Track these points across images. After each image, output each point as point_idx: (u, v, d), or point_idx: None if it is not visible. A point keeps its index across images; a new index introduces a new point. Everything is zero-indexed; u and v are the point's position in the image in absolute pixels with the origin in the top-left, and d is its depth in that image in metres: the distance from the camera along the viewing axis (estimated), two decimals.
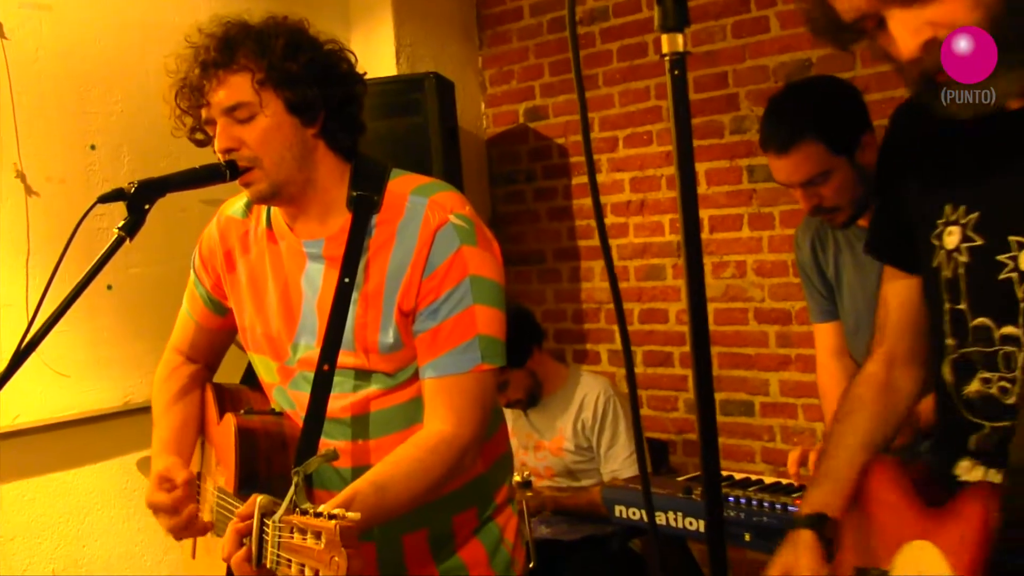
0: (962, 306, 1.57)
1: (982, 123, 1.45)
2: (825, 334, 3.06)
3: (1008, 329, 1.50)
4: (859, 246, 2.89)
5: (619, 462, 3.73)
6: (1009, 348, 1.50)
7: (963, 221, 1.56)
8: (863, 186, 2.72)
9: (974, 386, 1.56)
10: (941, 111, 1.43)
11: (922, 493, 1.65)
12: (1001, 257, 1.49)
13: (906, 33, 1.39)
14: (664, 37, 1.27)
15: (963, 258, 1.55)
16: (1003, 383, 1.50)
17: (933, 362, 1.68)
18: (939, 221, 1.60)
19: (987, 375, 1.53)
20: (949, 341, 1.60)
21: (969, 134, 1.52)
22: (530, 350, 3.85)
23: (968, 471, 1.62)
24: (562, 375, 3.95)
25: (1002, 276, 1.49)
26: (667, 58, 1.27)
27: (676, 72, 1.27)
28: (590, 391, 3.84)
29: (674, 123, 1.27)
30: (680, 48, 1.27)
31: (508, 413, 3.88)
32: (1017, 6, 1.33)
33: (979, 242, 1.53)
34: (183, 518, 2.16)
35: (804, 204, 2.77)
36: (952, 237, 1.57)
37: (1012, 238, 1.47)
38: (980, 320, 1.54)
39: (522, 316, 3.93)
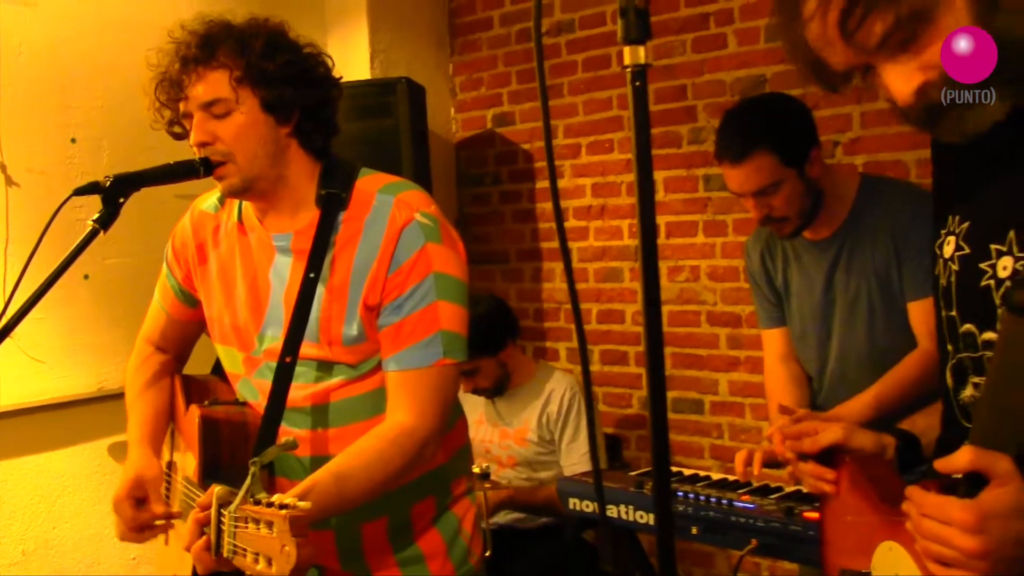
0: (954, 313, 1.56)
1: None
2: (773, 339, 3.08)
3: (988, 335, 1.49)
4: (806, 257, 2.92)
5: (577, 456, 3.73)
6: (991, 353, 1.48)
7: (957, 231, 1.55)
8: (810, 198, 2.76)
9: (967, 391, 1.55)
10: (940, 135, 1.44)
11: (883, 493, 1.65)
12: (982, 265, 1.48)
13: (899, 81, 1.38)
14: (626, 49, 1.25)
15: (955, 266, 1.55)
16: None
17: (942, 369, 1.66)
18: (943, 231, 1.60)
19: (977, 380, 1.52)
20: (948, 347, 1.59)
21: (968, 148, 1.50)
22: (504, 342, 3.84)
23: None
24: (531, 369, 3.95)
25: (983, 283, 1.48)
26: (628, 69, 1.25)
27: (637, 83, 1.25)
28: (557, 387, 3.84)
29: (634, 132, 1.26)
30: (642, 60, 1.25)
31: (478, 399, 3.89)
32: (997, 40, 1.33)
33: (967, 251, 1.52)
34: (137, 525, 2.18)
35: (755, 213, 2.79)
36: (949, 247, 1.57)
37: (993, 246, 1.47)
38: (967, 326, 1.53)
39: (501, 308, 3.94)
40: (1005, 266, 1.44)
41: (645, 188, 1.27)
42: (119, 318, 3.68)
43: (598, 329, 4.60)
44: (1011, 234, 1.44)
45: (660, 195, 4.32)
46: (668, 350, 4.31)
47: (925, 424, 1.78)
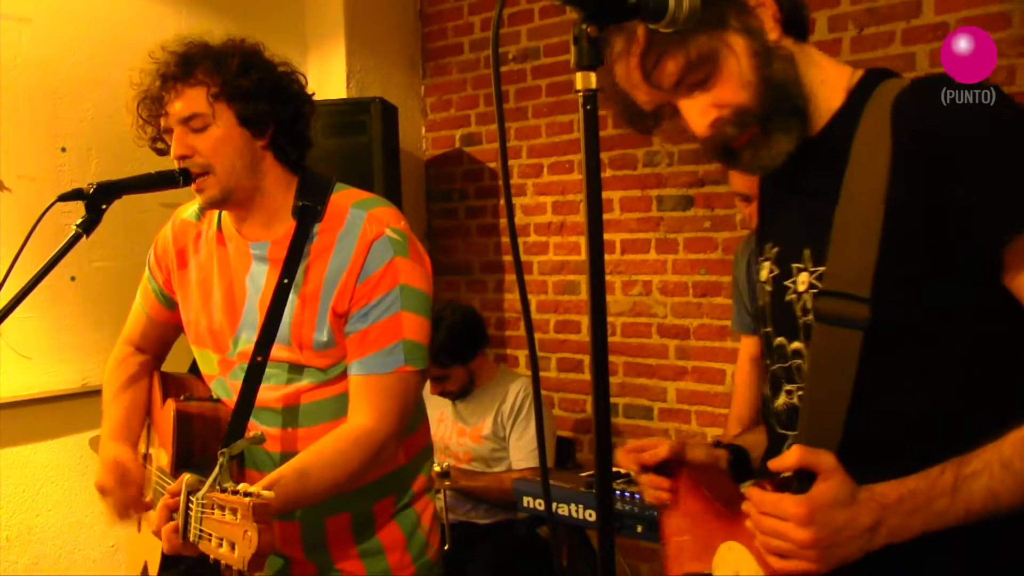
0: (769, 329, 1.61)
1: (780, 171, 1.54)
2: (747, 343, 3.11)
3: (795, 344, 1.54)
4: None
5: (525, 452, 3.75)
6: (798, 361, 1.54)
7: (770, 255, 1.61)
8: None
9: (781, 399, 1.59)
10: (742, 169, 1.56)
11: (720, 498, 1.67)
12: (787, 282, 1.54)
13: (695, 116, 1.47)
14: (578, 75, 1.26)
15: (768, 287, 1.61)
16: (800, 392, 1.54)
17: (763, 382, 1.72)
18: (760, 258, 1.67)
19: (789, 387, 1.57)
20: (767, 361, 1.64)
21: (774, 178, 1.62)
22: (476, 352, 3.87)
23: None
24: (493, 373, 3.96)
25: (787, 298, 1.54)
26: (580, 94, 1.26)
27: (588, 107, 1.25)
28: (512, 389, 3.86)
29: (585, 153, 1.26)
30: (592, 85, 1.25)
31: (440, 400, 3.91)
32: (772, 82, 1.44)
33: (776, 271, 1.58)
34: (125, 505, 2.19)
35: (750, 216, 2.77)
36: (764, 271, 1.62)
37: (793, 265, 1.53)
38: (779, 339, 1.58)
39: (475, 320, 3.95)
40: (803, 281, 1.50)
41: (594, 204, 1.27)
42: (103, 318, 3.66)
43: (555, 338, 4.61)
44: (806, 252, 1.50)
45: (616, 214, 4.34)
46: (620, 359, 4.33)
47: (753, 439, 1.81)
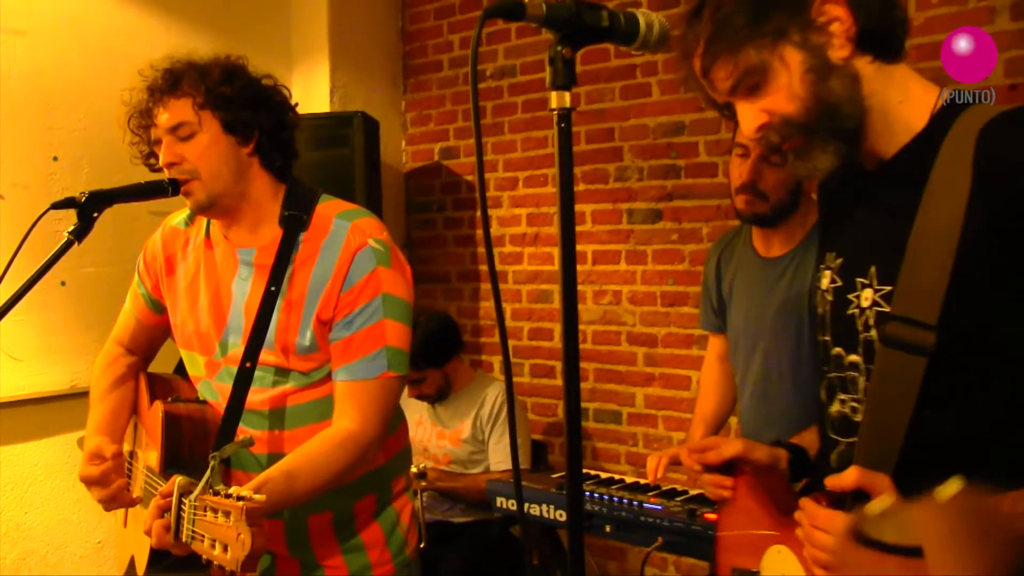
0: (827, 337, 1.60)
1: (850, 182, 1.54)
2: (714, 342, 3.04)
3: (853, 357, 1.53)
4: (755, 273, 2.81)
5: (503, 455, 3.76)
6: (854, 374, 1.53)
7: (832, 265, 1.60)
8: (792, 193, 2.69)
9: (835, 407, 1.59)
10: (796, 173, 1.53)
11: (776, 501, 1.69)
12: (850, 296, 1.53)
13: (746, 119, 1.48)
14: (553, 94, 1.28)
15: (829, 297, 1.59)
16: (853, 403, 1.53)
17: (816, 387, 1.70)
18: (821, 265, 1.65)
19: (843, 397, 1.56)
20: (824, 368, 1.63)
21: (843, 191, 1.60)
22: (451, 356, 3.88)
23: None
24: (470, 377, 3.97)
25: (849, 312, 1.53)
26: (555, 112, 1.28)
27: (562, 125, 1.27)
28: (490, 394, 3.86)
29: (559, 168, 1.28)
30: (567, 104, 1.27)
31: (419, 403, 3.91)
32: (823, 100, 1.42)
33: (839, 283, 1.57)
34: (111, 490, 2.12)
35: (744, 176, 2.71)
36: (825, 280, 1.61)
37: (858, 279, 1.52)
38: (837, 350, 1.57)
39: (450, 326, 3.96)
40: (867, 297, 1.49)
41: (567, 215, 1.29)
42: (92, 322, 3.63)
43: (529, 345, 4.63)
44: (872, 269, 1.49)
45: (588, 226, 4.35)
46: (591, 366, 4.35)
47: (812, 438, 1.81)
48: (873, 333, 1.47)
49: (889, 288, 1.45)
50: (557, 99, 1.28)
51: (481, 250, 4.79)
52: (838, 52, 1.42)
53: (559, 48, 1.27)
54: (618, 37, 1.31)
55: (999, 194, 1.33)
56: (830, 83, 1.42)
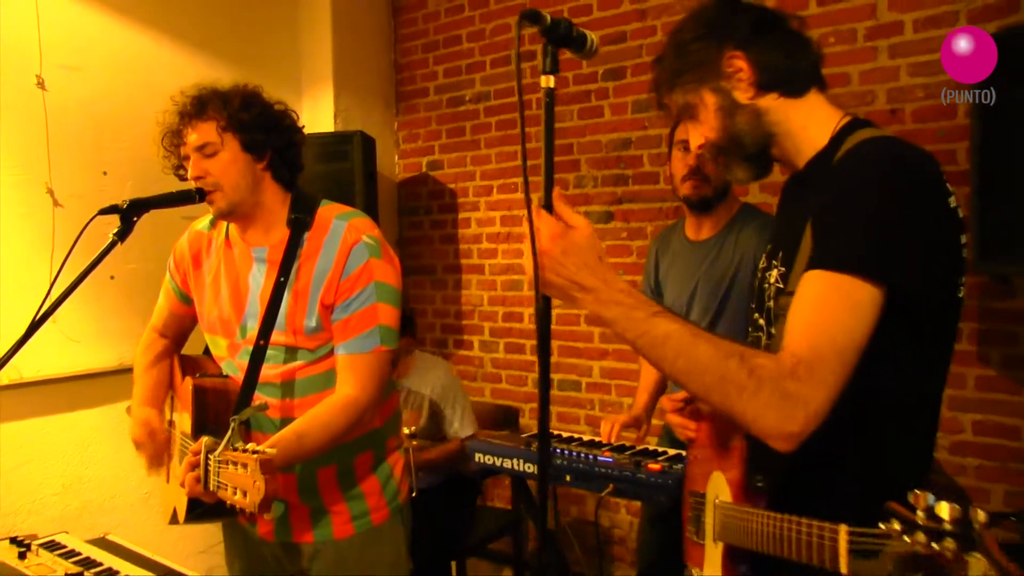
0: (753, 305, 1.68)
1: (789, 186, 1.66)
2: None
3: (761, 321, 1.61)
4: (686, 256, 2.89)
5: (463, 422, 3.72)
6: (759, 334, 1.61)
7: (767, 250, 1.66)
8: (727, 181, 2.74)
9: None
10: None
11: (723, 441, 1.73)
12: (767, 274, 1.60)
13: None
14: (543, 77, 1.37)
15: (758, 275, 1.67)
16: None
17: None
18: (773, 261, 1.69)
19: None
20: (749, 329, 1.69)
21: (785, 193, 1.71)
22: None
23: None
24: (414, 358, 3.82)
25: (764, 286, 1.61)
26: (543, 89, 1.37)
27: (547, 100, 1.37)
28: (432, 375, 3.75)
29: (544, 134, 1.37)
30: (552, 85, 1.37)
31: None
32: (730, 131, 1.54)
33: (764, 264, 1.64)
34: (154, 454, 2.22)
35: (689, 161, 2.80)
36: (763, 261, 1.66)
37: (773, 262, 1.59)
38: (755, 316, 1.65)
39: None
40: (773, 276, 1.57)
41: (548, 182, 1.42)
42: (137, 309, 3.62)
43: (503, 326, 4.64)
44: (780, 254, 1.57)
45: None
46: (556, 343, 4.36)
47: None
48: (771, 304, 1.56)
49: (786, 270, 1.52)
50: (544, 81, 1.37)
51: (462, 247, 4.79)
52: (744, 94, 1.52)
53: (549, 46, 1.37)
54: (577, 45, 1.40)
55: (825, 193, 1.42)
56: (736, 119, 1.53)
